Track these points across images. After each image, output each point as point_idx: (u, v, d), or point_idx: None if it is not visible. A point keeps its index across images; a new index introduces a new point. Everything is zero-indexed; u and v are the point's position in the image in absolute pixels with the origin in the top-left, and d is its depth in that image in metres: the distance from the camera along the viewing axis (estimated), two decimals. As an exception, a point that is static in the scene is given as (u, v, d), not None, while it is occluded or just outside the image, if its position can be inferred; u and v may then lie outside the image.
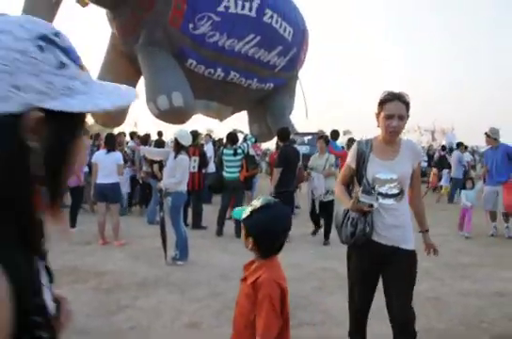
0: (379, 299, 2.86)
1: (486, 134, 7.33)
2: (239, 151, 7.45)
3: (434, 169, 13.89)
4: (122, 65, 15.08)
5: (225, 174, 7.40)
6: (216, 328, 3.72)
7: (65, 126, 0.78)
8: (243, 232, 1.99)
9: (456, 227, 7.88)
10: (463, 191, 7.96)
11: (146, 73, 14.28)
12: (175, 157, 5.64)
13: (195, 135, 8.07)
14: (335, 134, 9.61)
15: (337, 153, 8.60)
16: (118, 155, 6.77)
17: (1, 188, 0.70)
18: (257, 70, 16.07)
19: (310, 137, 18.39)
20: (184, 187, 5.69)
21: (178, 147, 5.67)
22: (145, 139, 9.92)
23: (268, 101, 17.79)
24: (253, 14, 15.11)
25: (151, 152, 7.00)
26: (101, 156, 6.72)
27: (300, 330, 3.74)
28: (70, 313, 1.01)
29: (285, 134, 7.20)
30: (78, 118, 0.81)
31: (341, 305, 4.22)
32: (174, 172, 5.58)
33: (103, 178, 6.53)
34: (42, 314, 0.77)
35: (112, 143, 6.82)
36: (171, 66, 14.34)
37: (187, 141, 5.76)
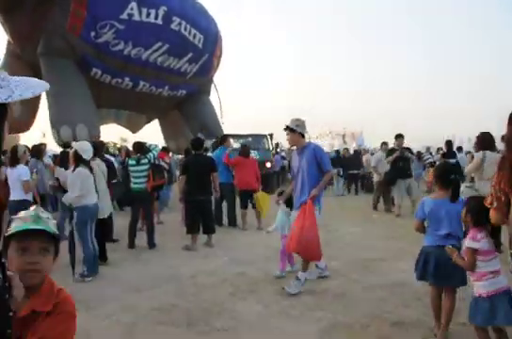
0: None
1: None
2: (143, 160, 7.30)
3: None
4: (23, 71, 14.17)
5: (132, 185, 7.25)
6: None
7: None
8: None
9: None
10: None
11: (50, 93, 13.63)
12: (73, 170, 5.45)
13: (99, 145, 7.84)
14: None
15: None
16: (21, 170, 6.36)
17: None
18: (168, 77, 15.93)
19: (249, 140, 16.99)
20: (90, 201, 5.50)
21: (76, 159, 5.45)
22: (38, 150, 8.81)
23: (185, 108, 17.75)
24: (159, 22, 14.93)
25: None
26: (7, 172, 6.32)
27: (211, 336, 3.76)
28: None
29: (197, 143, 7.46)
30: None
31: (253, 310, 4.31)
32: (74, 186, 5.38)
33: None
34: None
35: (14, 157, 6.44)
36: (78, 85, 13.74)
37: (88, 155, 5.57)
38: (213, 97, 19.00)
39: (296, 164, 5.15)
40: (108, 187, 7.22)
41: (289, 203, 5.37)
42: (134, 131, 19.20)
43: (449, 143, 12.09)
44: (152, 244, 7.10)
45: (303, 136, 5.07)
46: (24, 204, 6.21)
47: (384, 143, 11.62)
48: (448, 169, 3.82)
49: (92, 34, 13.64)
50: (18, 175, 6.17)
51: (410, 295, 4.57)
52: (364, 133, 29.46)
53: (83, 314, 4.25)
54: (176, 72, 16.20)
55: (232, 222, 8.99)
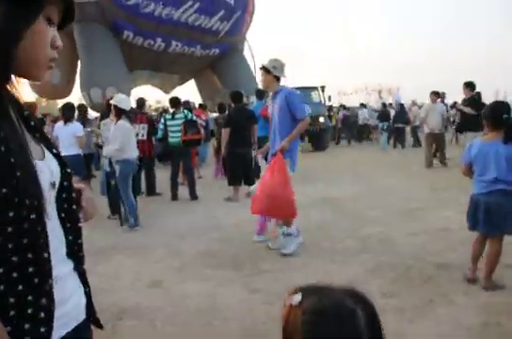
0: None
1: None
2: (178, 115, 7.40)
3: None
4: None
5: (169, 139, 7.39)
6: (178, 284, 3.78)
7: (18, 8, 0.91)
8: None
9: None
10: None
11: (82, 56, 13.69)
12: (115, 123, 5.51)
13: (142, 102, 7.94)
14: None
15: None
16: (76, 127, 6.55)
17: None
18: (200, 37, 15.75)
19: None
20: (130, 155, 5.57)
21: (117, 112, 5.48)
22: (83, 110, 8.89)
23: (218, 66, 17.60)
24: (189, -21, 14.66)
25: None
26: (59, 129, 6.54)
27: (260, 277, 3.86)
28: (91, 200, 1.16)
29: (236, 96, 7.36)
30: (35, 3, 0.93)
31: (297, 254, 4.39)
32: (116, 139, 5.43)
33: (63, 150, 6.33)
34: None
35: (68, 114, 6.61)
36: (109, 49, 13.78)
37: (127, 105, 5.59)
38: (247, 54, 18.71)
39: (270, 111, 4.77)
40: (149, 144, 7.37)
41: None
42: (167, 91, 19.24)
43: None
44: (194, 196, 7.27)
45: (278, 79, 4.56)
46: (78, 159, 6.44)
47: (434, 93, 10.71)
48: (500, 109, 3.49)
49: (123, -3, 13.56)
50: (73, 131, 6.37)
51: (455, 240, 4.53)
52: (401, 89, 28.61)
53: (136, 259, 4.48)
54: (208, 31, 15.99)
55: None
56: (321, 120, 14.43)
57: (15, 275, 0.89)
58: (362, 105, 19.13)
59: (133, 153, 5.66)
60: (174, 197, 7.29)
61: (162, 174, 8.21)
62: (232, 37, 16.97)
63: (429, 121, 10.15)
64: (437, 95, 10.60)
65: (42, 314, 0.95)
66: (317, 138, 14.81)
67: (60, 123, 6.65)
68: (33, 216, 0.92)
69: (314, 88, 15.64)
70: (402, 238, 4.74)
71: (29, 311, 0.93)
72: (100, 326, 1.26)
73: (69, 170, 1.13)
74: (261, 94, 8.99)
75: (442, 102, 12.54)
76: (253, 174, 7.47)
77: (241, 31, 17.43)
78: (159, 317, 3.15)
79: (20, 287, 0.91)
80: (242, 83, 16.90)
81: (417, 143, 15.31)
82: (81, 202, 1.19)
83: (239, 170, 7.15)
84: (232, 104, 7.67)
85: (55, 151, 1.11)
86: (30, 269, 0.93)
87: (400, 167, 10.53)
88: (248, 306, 3.28)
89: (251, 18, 17.82)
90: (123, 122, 5.50)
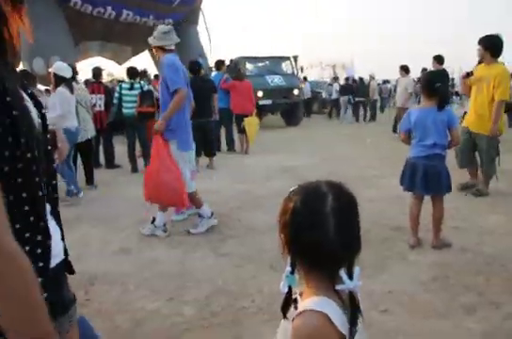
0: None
1: None
2: (136, 85, 7.28)
3: None
4: None
5: (123, 110, 7.22)
6: (147, 251, 3.88)
7: None
8: None
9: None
10: None
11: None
12: (54, 91, 5.30)
13: (98, 71, 7.77)
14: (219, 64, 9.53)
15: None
16: None
17: None
18: (152, 6, 15.28)
19: (266, 63, 14.78)
20: (70, 124, 5.38)
21: (56, 80, 5.27)
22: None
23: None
24: None
25: None
26: None
27: (226, 242, 4.02)
28: (63, 141, 1.24)
29: (195, 66, 7.29)
30: None
31: (259, 219, 4.56)
32: (54, 106, 5.12)
33: None
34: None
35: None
36: (52, 19, 13.10)
37: (66, 73, 5.35)
38: (202, 26, 18.35)
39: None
40: (106, 114, 7.25)
41: None
42: (120, 63, 18.72)
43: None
44: None
45: (163, 49, 4.17)
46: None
47: (403, 67, 10.81)
48: (433, 78, 3.75)
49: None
50: None
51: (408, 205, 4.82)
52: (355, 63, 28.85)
53: (100, 228, 4.53)
54: (161, 0, 15.53)
55: (231, 147, 9.16)
56: (295, 92, 13.61)
57: (11, 214, 0.89)
58: (335, 79, 19.07)
59: (73, 122, 5.49)
60: (134, 169, 7.27)
61: (120, 146, 8.14)
62: (186, 6, 16.57)
63: (397, 95, 10.46)
64: (405, 70, 10.86)
65: (39, 250, 1.02)
66: (290, 113, 14.09)
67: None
68: (28, 155, 0.96)
69: (286, 58, 14.77)
70: (360, 204, 4.99)
71: (27, 248, 0.99)
72: (72, 271, 1.29)
73: (44, 116, 1.17)
74: (219, 65, 8.99)
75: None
76: (214, 145, 7.56)
77: (195, 0, 17.04)
78: (131, 282, 3.25)
79: (17, 226, 0.96)
80: (195, 56, 16.60)
81: (372, 118, 15.73)
82: (57, 143, 1.25)
83: (200, 141, 7.20)
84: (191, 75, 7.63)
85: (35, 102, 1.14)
86: (26, 208, 0.98)
87: (358, 139, 10.90)
88: (218, 269, 3.44)
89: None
90: (63, 90, 5.27)
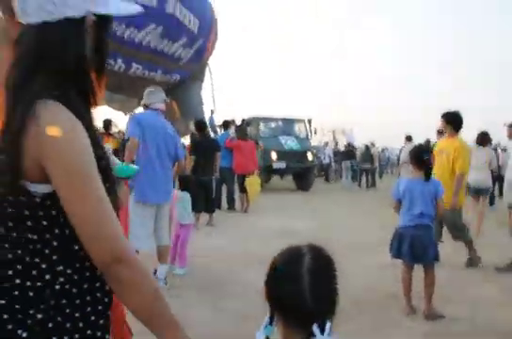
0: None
1: None
2: None
3: None
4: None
5: None
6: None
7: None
8: None
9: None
10: None
11: None
12: None
13: (107, 123, 8.08)
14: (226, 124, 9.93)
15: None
16: None
17: (75, 61, 1.07)
18: (161, 61, 15.96)
19: (279, 124, 14.48)
20: None
21: None
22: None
23: (176, 92, 17.76)
24: (154, 3, 14.90)
25: None
26: None
27: (225, 299, 4.10)
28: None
29: (201, 124, 7.86)
30: (108, 21, 1.15)
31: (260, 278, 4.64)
32: None
33: None
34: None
35: None
36: None
37: None
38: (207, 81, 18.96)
39: None
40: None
41: (185, 185, 5.14)
42: (126, 113, 19.23)
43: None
44: None
45: (146, 106, 4.51)
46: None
47: (407, 138, 11.34)
48: (421, 151, 4.02)
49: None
50: None
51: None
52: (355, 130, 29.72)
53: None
54: (170, 56, 16.21)
55: (232, 205, 9.30)
56: (309, 156, 13.27)
57: None
58: (326, 144, 19.83)
59: None
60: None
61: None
62: (194, 64, 17.29)
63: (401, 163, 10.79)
64: (409, 139, 11.40)
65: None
66: (302, 177, 13.44)
67: None
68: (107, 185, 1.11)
69: (300, 121, 14.57)
70: (356, 271, 5.11)
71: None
72: None
73: None
74: (226, 125, 9.38)
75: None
76: (214, 202, 7.73)
77: (202, 59, 17.79)
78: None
79: None
80: (198, 113, 17.01)
81: (373, 184, 16.17)
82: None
83: (200, 198, 7.38)
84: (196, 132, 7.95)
85: None
86: None
87: (357, 204, 11.17)
88: (217, 325, 3.50)
89: (213, 46, 18.24)
90: None
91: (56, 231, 1.04)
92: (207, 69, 18.57)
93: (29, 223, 1.03)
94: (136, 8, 1.16)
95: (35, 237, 1.03)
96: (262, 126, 13.92)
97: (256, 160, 9.29)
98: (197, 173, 7.26)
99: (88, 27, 1.09)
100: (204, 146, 7.37)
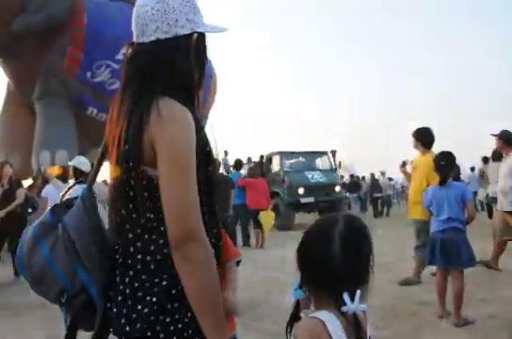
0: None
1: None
2: None
3: None
4: (23, 115, 14.44)
5: None
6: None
7: (202, 42, 1.34)
8: None
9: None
10: None
11: (37, 125, 13.75)
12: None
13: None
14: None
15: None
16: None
17: (186, 69, 1.29)
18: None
19: (300, 160, 14.03)
20: None
21: (75, 174, 5.23)
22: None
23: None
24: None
25: None
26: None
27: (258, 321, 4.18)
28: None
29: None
30: (205, 37, 1.35)
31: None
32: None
33: None
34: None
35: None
36: (63, 118, 13.96)
37: (86, 167, 5.30)
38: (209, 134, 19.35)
39: None
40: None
41: None
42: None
43: None
44: None
45: None
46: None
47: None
48: (439, 158, 4.08)
49: (88, 74, 14.09)
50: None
51: (429, 283, 4.90)
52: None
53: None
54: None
55: (247, 242, 9.39)
56: (337, 189, 12.75)
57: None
58: None
59: None
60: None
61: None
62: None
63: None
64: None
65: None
66: (331, 211, 12.58)
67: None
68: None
69: (323, 153, 14.05)
70: (382, 285, 5.19)
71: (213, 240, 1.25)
72: None
73: None
74: (239, 165, 9.67)
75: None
76: (232, 237, 7.83)
77: (204, 111, 18.29)
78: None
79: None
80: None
81: (387, 213, 16.48)
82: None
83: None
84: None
85: None
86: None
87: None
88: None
89: (214, 98, 18.77)
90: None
91: None
92: (209, 123, 19.07)
93: (148, 204, 1.18)
94: (222, 28, 1.36)
95: (152, 216, 1.19)
96: (285, 161, 13.40)
97: (268, 196, 9.45)
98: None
99: (193, 42, 1.30)
100: (219, 184, 7.59)
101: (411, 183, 5.64)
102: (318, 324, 1.07)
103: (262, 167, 13.54)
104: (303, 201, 12.03)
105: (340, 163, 14.40)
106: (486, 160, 13.10)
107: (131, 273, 1.18)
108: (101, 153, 1.40)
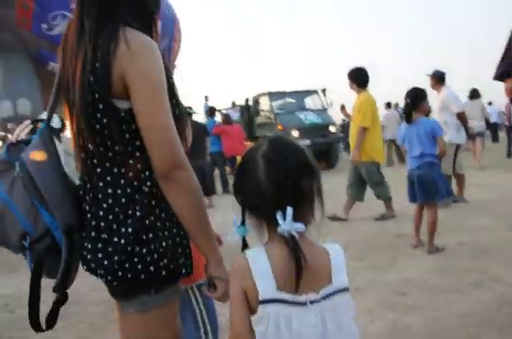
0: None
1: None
2: None
3: None
4: None
5: None
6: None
7: None
8: None
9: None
10: None
11: None
12: None
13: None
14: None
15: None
16: None
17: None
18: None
19: (287, 100, 13.05)
20: None
21: None
22: None
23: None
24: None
25: None
26: None
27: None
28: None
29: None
30: None
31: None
32: None
33: None
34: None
35: None
36: (23, 70, 13.47)
37: (57, 123, 5.37)
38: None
39: None
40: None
41: None
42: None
43: None
44: None
45: None
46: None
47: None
48: (406, 95, 4.12)
49: (44, 26, 13.42)
50: None
51: (407, 217, 4.90)
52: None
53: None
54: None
55: (226, 189, 9.50)
56: (331, 129, 11.90)
57: None
58: None
59: None
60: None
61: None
62: (162, 64, 17.39)
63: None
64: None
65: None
66: (326, 153, 11.68)
67: None
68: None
69: (313, 92, 13.14)
70: (361, 221, 5.46)
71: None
72: None
73: None
74: (212, 112, 9.59)
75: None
76: (212, 184, 7.95)
77: (169, 59, 17.88)
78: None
79: None
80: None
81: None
82: None
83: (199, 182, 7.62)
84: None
85: None
86: None
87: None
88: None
89: (179, 45, 18.25)
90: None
91: (137, 143, 1.17)
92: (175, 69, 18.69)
93: (115, 136, 1.15)
94: None
95: (120, 149, 1.16)
96: (273, 103, 12.49)
97: (244, 142, 9.50)
98: (190, 159, 7.48)
99: None
100: (194, 132, 7.59)
101: (351, 125, 5.73)
102: (243, 263, 1.07)
103: (248, 110, 13.09)
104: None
105: (331, 102, 12.94)
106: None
107: (104, 206, 1.17)
108: (56, 87, 1.31)
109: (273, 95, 12.48)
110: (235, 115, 14.32)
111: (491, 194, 6.26)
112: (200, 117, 11.35)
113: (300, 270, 1.02)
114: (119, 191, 1.16)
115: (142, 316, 1.19)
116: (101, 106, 1.13)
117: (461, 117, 5.84)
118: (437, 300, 2.94)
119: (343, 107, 6.28)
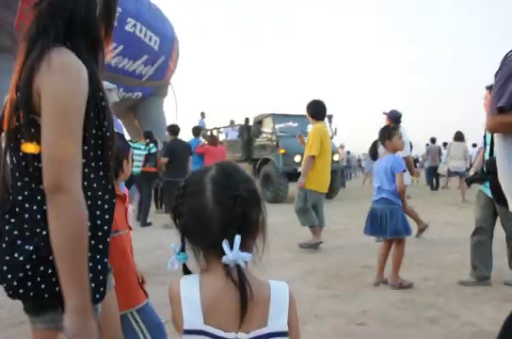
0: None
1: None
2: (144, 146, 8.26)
3: None
4: None
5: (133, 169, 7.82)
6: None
7: None
8: None
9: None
10: None
11: None
12: None
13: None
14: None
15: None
16: None
17: (85, 12, 1.25)
18: (122, 79, 16.12)
19: (291, 124, 12.49)
20: None
21: None
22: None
23: (139, 109, 17.92)
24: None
25: None
26: None
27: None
28: None
29: (174, 129, 8.22)
30: None
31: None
32: None
33: None
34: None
35: None
36: (10, 69, 13.61)
37: None
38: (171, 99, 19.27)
39: None
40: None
41: None
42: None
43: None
44: (145, 223, 8.07)
45: None
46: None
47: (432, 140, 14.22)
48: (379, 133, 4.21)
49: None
50: None
51: (374, 250, 5.23)
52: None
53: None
54: (131, 74, 16.45)
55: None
56: (335, 158, 10.84)
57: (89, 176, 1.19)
58: None
59: None
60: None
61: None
62: (156, 81, 17.57)
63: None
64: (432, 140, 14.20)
65: (106, 207, 1.25)
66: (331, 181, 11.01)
67: None
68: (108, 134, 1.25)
69: None
70: (330, 250, 5.48)
71: (99, 202, 1.23)
72: None
73: None
74: (197, 132, 9.67)
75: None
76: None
77: (165, 76, 18.09)
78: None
79: (94, 185, 1.22)
80: (159, 125, 16.73)
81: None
82: None
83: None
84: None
85: None
86: (101, 173, 1.24)
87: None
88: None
89: (175, 64, 18.56)
90: None
91: None
92: (170, 86, 18.83)
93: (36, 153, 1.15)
94: None
95: (40, 165, 1.14)
96: (276, 125, 12.06)
97: None
98: (170, 175, 7.54)
99: None
100: (177, 149, 7.67)
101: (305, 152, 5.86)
102: (175, 289, 1.03)
103: (248, 131, 12.83)
104: (300, 170, 11.00)
105: (336, 129, 12.22)
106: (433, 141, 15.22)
107: (12, 221, 1.17)
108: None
109: (277, 117, 12.12)
110: (233, 134, 14.33)
111: (464, 232, 6.31)
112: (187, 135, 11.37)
113: (245, 304, 0.97)
114: (34, 207, 1.16)
115: (51, 334, 1.14)
116: (23, 122, 1.16)
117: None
118: (392, 333, 2.95)
119: (300, 136, 6.59)
